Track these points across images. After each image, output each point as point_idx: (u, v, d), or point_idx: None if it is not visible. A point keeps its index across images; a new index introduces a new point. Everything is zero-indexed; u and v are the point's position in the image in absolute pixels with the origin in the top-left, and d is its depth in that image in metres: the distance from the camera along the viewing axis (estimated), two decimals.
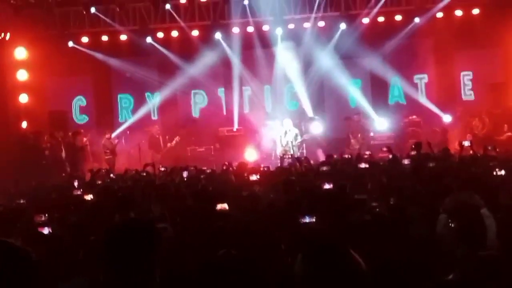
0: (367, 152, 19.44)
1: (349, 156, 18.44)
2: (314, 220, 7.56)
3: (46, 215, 9.00)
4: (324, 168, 14.50)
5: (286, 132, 22.89)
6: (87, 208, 10.25)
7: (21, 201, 12.51)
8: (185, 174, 15.97)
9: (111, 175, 18.31)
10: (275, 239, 7.00)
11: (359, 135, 23.76)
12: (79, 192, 12.91)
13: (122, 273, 3.54)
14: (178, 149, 24.21)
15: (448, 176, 10.57)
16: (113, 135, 24.14)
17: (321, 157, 20.89)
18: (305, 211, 7.90)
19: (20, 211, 10.43)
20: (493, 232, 7.08)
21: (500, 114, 23.68)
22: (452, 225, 6.81)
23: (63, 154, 22.14)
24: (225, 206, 8.82)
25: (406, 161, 14.97)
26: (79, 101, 26.41)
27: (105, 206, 9.91)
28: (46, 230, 7.93)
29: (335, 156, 18.29)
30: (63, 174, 20.66)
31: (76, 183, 15.63)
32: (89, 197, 11.99)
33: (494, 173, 12.24)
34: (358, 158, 17.17)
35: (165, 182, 14.63)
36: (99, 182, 16.10)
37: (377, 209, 8.65)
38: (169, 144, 24.34)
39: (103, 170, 18.70)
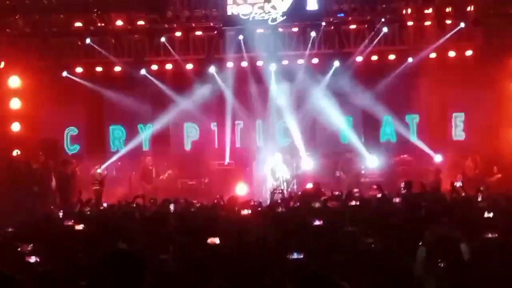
0: (355, 190, 19.45)
1: (340, 193, 18.46)
2: (302, 256, 7.57)
3: (32, 244, 9.01)
4: (317, 205, 14.55)
5: (277, 167, 22.93)
6: (78, 238, 10.23)
7: (9, 230, 12.45)
8: (171, 207, 15.88)
9: (102, 205, 18.24)
10: (262, 273, 6.99)
11: (348, 173, 23.83)
12: (70, 223, 12.88)
13: None
14: (169, 182, 24.18)
15: (443, 217, 10.58)
16: (103, 166, 23.97)
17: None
18: (295, 247, 7.90)
19: (7, 239, 10.40)
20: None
21: (490, 155, 23.67)
22: (432, 259, 6.82)
23: (53, 184, 22.04)
24: (215, 240, 8.81)
25: (397, 200, 15.03)
26: (71, 131, 26.32)
27: (96, 236, 9.89)
28: (33, 259, 7.93)
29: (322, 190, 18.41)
30: (52, 207, 20.54)
31: (61, 213, 15.66)
32: (80, 227, 11.99)
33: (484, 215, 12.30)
34: (348, 196, 17.23)
35: (154, 214, 14.60)
36: (88, 212, 16.08)
37: (373, 245, 8.65)
38: (161, 176, 24.33)
39: (93, 201, 18.65)
